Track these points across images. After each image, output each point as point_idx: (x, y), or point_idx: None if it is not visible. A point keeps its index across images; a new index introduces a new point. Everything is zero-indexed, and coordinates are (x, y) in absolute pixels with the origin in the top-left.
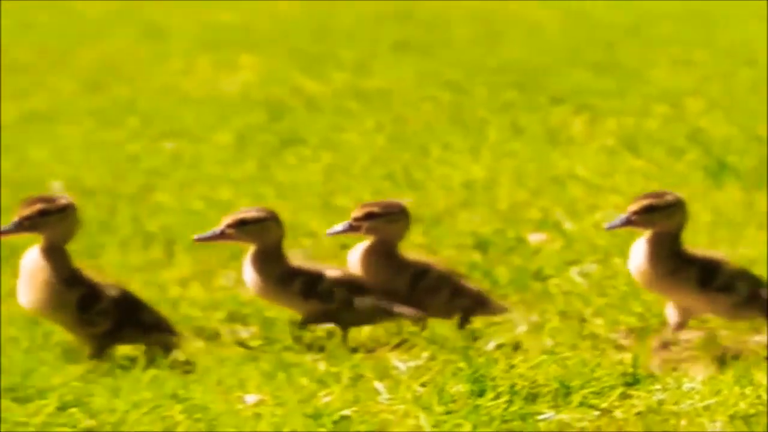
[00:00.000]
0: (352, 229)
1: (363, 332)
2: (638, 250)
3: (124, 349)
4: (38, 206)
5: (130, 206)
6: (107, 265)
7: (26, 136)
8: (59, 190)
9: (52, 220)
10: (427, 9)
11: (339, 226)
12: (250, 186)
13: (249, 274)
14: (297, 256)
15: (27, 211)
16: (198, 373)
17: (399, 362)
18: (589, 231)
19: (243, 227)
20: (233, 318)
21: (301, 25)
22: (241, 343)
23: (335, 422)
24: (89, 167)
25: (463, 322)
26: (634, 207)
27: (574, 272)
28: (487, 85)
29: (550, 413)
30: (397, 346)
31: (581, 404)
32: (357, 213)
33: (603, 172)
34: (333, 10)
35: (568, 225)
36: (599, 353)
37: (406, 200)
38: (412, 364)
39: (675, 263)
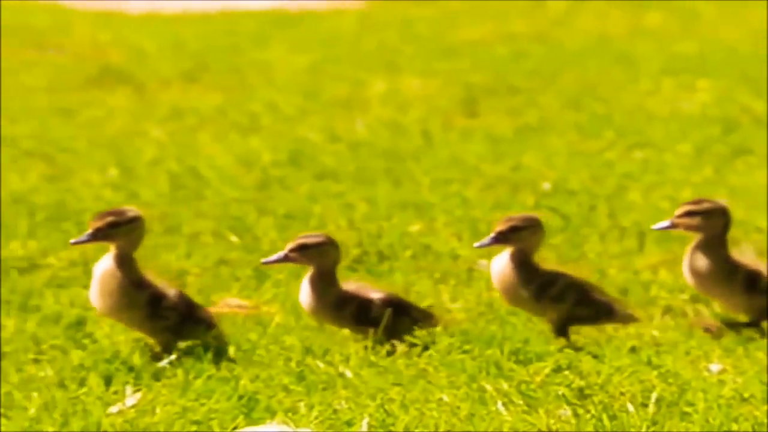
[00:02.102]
0: (496, 241)
1: None
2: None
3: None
4: (109, 219)
5: (607, 204)
6: (589, 253)
7: (520, 145)
8: (548, 190)
9: (122, 231)
10: None
11: (486, 240)
12: (707, 188)
13: (305, 295)
14: (747, 250)
15: (99, 223)
16: (668, 345)
17: None
18: None
19: (304, 251)
20: (696, 299)
21: (749, 53)
22: (707, 328)
23: None
24: (572, 171)
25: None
26: (679, 211)
27: None
28: None
29: None
30: None
31: None
32: (501, 227)
33: None
34: None
35: None
36: None
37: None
38: None
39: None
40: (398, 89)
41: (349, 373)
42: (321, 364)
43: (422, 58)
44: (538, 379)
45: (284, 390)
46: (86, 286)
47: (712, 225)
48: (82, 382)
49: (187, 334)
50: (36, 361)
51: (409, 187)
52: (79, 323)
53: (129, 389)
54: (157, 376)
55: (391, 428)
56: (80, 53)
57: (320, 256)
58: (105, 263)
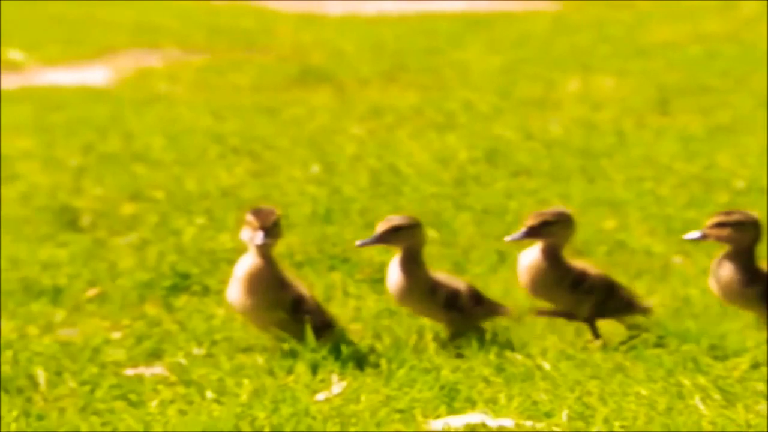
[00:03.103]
0: (527, 235)
1: None
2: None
3: None
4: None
5: None
6: None
7: (713, 144)
8: (741, 189)
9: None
10: None
11: (517, 234)
12: None
13: (394, 278)
14: None
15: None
16: None
17: None
18: None
19: (396, 233)
20: None
21: None
22: None
23: None
24: (766, 170)
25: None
26: (710, 222)
27: None
28: None
29: None
30: None
31: None
32: (532, 221)
33: None
34: None
35: None
36: None
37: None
38: None
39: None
40: (591, 89)
41: (547, 366)
42: (519, 357)
43: (615, 59)
44: (735, 374)
45: (484, 381)
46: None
47: (743, 237)
48: (290, 370)
49: (320, 335)
50: (246, 349)
51: (602, 185)
52: None
53: (335, 377)
54: (361, 365)
55: (590, 420)
56: (284, 54)
57: (411, 238)
58: (248, 262)
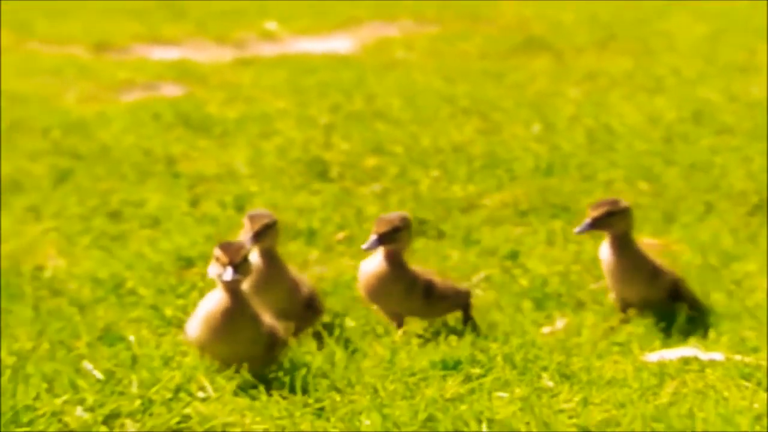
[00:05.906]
0: (379, 243)
1: None
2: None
3: None
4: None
5: None
6: None
7: None
8: None
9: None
10: None
11: (369, 243)
12: None
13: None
14: None
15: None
16: None
17: None
18: None
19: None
20: None
21: None
22: None
23: None
24: None
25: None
26: (596, 213)
27: None
28: None
29: None
30: None
31: None
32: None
33: None
34: None
35: None
36: None
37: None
38: None
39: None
40: None
41: (753, 306)
42: (727, 298)
43: None
44: None
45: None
46: (517, 224)
47: (625, 223)
48: (518, 307)
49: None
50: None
51: None
52: (513, 256)
53: (558, 314)
54: (581, 303)
55: None
56: (507, 25)
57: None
58: (216, 298)
